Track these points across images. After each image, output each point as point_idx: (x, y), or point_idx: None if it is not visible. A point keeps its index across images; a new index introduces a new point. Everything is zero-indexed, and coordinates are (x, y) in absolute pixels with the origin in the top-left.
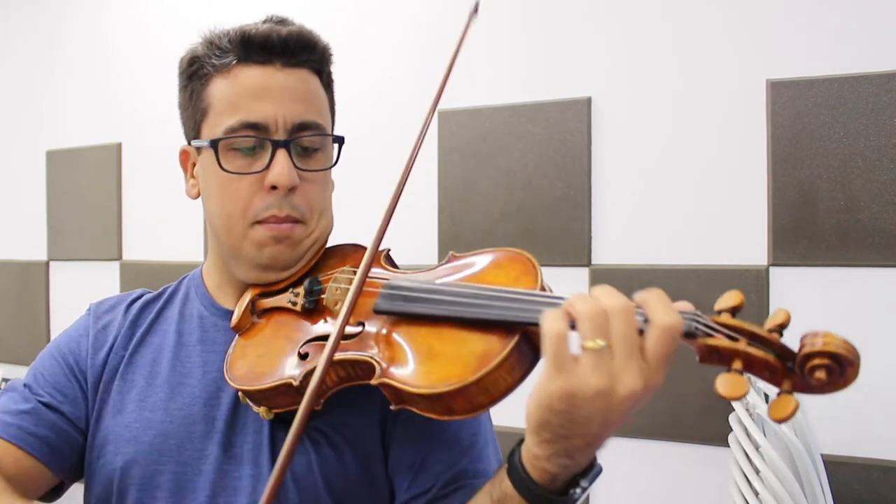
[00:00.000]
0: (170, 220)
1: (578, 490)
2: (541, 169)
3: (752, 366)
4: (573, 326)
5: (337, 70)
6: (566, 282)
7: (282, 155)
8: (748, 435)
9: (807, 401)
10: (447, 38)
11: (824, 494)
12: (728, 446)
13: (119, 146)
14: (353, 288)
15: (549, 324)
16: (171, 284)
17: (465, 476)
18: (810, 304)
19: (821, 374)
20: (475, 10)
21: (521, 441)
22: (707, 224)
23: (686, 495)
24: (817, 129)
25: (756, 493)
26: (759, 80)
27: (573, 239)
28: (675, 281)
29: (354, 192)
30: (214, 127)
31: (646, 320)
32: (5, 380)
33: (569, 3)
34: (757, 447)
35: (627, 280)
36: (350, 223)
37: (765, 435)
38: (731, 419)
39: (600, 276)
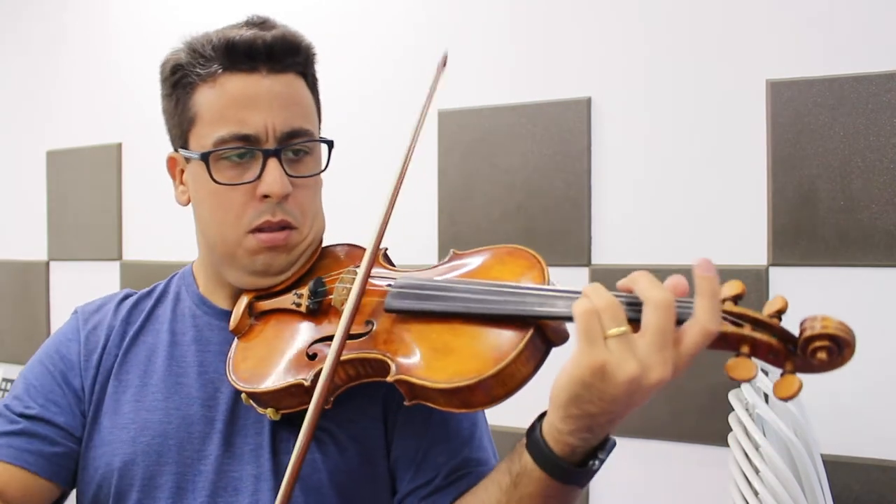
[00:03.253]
0: (170, 220)
1: (597, 462)
2: (541, 169)
3: (758, 349)
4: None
5: (329, 69)
6: (566, 282)
7: (273, 164)
8: (748, 435)
9: (807, 400)
10: (442, 38)
11: (824, 494)
12: (728, 446)
13: (119, 146)
14: (355, 287)
15: (577, 305)
16: (161, 283)
17: (468, 465)
18: (810, 304)
19: (822, 355)
20: (444, 63)
21: (541, 417)
22: (707, 224)
23: (686, 495)
24: (817, 129)
25: (756, 493)
26: (758, 80)
27: (573, 239)
28: None
29: (348, 193)
30: (203, 137)
31: (686, 306)
32: (5, 379)
33: (569, 3)
34: (757, 447)
35: None
36: (345, 223)
37: (764, 435)
38: (731, 419)
39: (600, 276)
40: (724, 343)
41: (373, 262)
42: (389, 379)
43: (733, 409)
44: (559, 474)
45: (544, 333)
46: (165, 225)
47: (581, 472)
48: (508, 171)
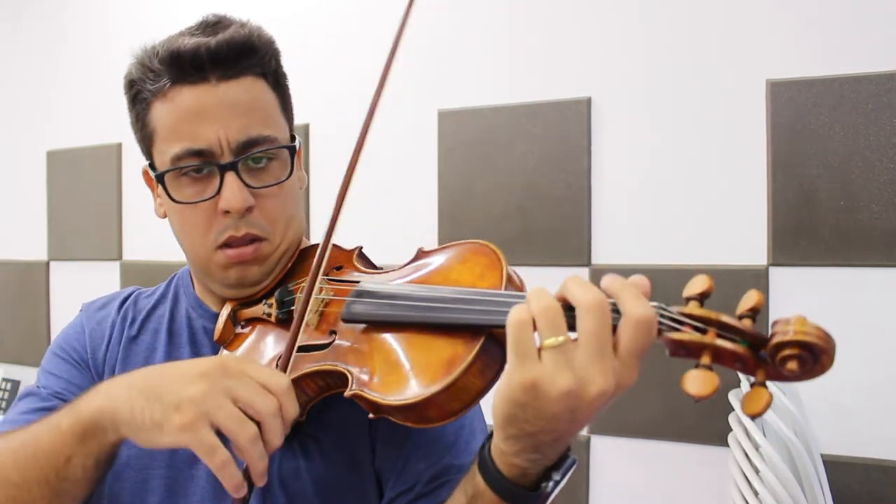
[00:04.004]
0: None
1: (550, 483)
2: (541, 169)
3: (722, 358)
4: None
5: (329, 70)
6: None
7: (230, 178)
8: (748, 435)
9: (807, 400)
10: (442, 38)
11: (824, 494)
12: (728, 446)
13: (119, 146)
14: (300, 303)
15: (511, 314)
16: (162, 284)
17: (450, 471)
18: (810, 303)
19: (792, 365)
20: None
21: (491, 435)
22: (707, 224)
23: (686, 495)
24: (817, 129)
25: (756, 493)
26: (758, 81)
27: (573, 239)
28: (675, 281)
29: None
30: (162, 154)
31: (616, 312)
32: (5, 380)
33: (569, 4)
34: (757, 447)
35: None
36: (344, 225)
37: (764, 435)
38: (731, 419)
39: (600, 276)
40: (685, 352)
41: (316, 275)
42: (347, 394)
43: (733, 409)
44: (511, 497)
45: (500, 341)
46: (165, 225)
47: (534, 495)
48: (508, 171)
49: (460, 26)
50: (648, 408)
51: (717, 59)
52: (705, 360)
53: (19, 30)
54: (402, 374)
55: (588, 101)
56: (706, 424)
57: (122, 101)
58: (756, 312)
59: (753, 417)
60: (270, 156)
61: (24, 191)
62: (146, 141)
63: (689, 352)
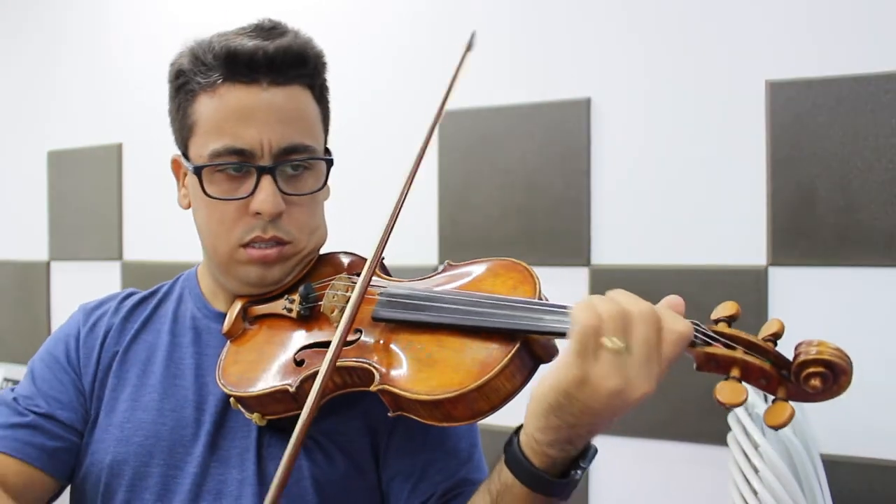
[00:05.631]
0: (170, 220)
1: (579, 472)
2: (541, 169)
3: (749, 374)
4: None
5: (332, 71)
6: (566, 282)
7: (266, 182)
8: (747, 434)
9: (807, 403)
10: (441, 38)
11: (823, 494)
12: (727, 446)
13: (120, 146)
14: (355, 295)
15: (585, 315)
16: (166, 283)
17: (464, 484)
18: (809, 303)
19: (816, 382)
20: (469, 46)
21: (517, 431)
22: (706, 224)
23: (685, 495)
24: (816, 129)
25: (755, 493)
26: (758, 81)
27: (573, 239)
28: (675, 281)
29: (349, 198)
30: (200, 147)
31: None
32: (6, 380)
33: (569, 4)
34: (756, 447)
35: (627, 280)
36: (346, 227)
37: (764, 434)
38: (730, 419)
39: (599, 276)
40: (715, 365)
41: (373, 270)
42: (373, 388)
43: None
44: (542, 487)
45: (532, 349)
46: (166, 225)
47: (563, 483)
48: (508, 171)
49: (460, 27)
50: (648, 408)
51: (716, 60)
52: (735, 373)
53: (21, 30)
54: (433, 372)
55: (587, 102)
56: (706, 424)
57: (122, 101)
58: (778, 337)
59: (777, 428)
60: (307, 165)
61: (24, 191)
62: (185, 130)
63: (718, 365)
